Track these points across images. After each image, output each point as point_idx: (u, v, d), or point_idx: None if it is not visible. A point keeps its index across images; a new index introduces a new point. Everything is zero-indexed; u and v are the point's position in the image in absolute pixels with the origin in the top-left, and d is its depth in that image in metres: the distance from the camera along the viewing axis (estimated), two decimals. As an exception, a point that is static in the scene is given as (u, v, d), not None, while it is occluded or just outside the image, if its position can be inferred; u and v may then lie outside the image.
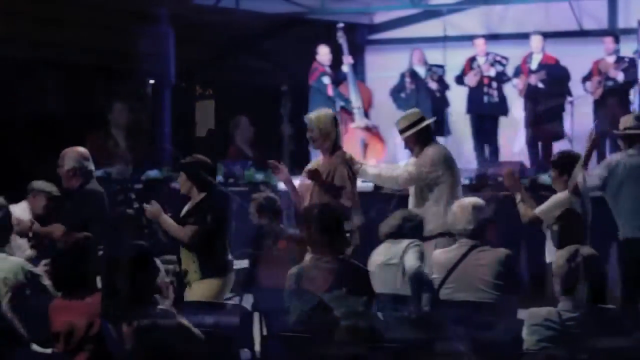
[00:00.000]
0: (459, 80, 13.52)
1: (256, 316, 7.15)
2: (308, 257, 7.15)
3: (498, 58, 13.32)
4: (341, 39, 13.61)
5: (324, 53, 13.40)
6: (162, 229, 7.31)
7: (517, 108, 13.59)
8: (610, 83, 12.67)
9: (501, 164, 12.36)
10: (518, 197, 7.75)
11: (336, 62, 13.57)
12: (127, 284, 5.10)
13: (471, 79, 13.34)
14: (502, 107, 13.43)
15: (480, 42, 13.45)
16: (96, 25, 12.90)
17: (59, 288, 5.67)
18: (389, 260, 6.98)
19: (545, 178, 10.21)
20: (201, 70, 14.72)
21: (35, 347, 5.64)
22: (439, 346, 5.60)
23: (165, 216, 7.23)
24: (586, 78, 12.84)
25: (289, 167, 7.95)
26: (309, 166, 7.93)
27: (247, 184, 11.88)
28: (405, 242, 7.01)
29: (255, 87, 14.10)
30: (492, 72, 13.29)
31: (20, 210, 8.37)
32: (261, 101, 13.52)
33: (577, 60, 13.15)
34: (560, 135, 12.99)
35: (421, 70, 13.55)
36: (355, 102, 13.59)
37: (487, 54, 13.37)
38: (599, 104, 12.79)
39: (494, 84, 13.30)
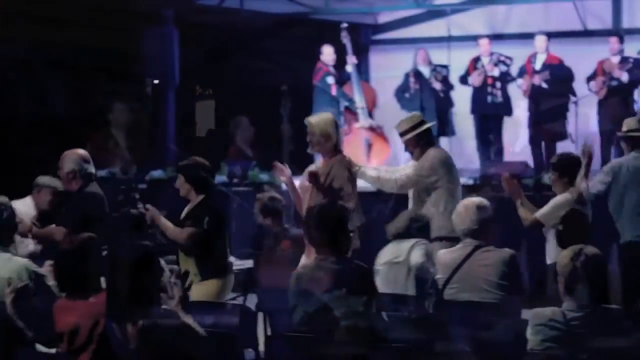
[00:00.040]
0: (463, 80, 13.52)
1: (260, 316, 7.15)
2: (305, 258, 7.18)
3: (502, 58, 13.31)
4: (345, 39, 13.61)
5: (328, 53, 13.41)
6: (160, 231, 7.31)
7: (519, 108, 13.59)
8: (614, 83, 12.65)
9: (505, 164, 12.37)
10: (518, 201, 7.76)
11: (340, 62, 13.58)
12: (131, 284, 5.10)
13: (475, 79, 13.34)
14: (506, 107, 13.42)
15: (484, 42, 13.45)
16: (97, 26, 12.91)
17: (63, 288, 5.66)
18: (395, 259, 7.03)
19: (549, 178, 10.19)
20: (201, 70, 14.73)
21: (39, 347, 5.65)
22: (443, 346, 5.60)
23: (163, 219, 7.22)
24: (590, 78, 12.83)
25: (289, 167, 7.93)
26: (311, 167, 7.92)
27: (251, 184, 11.90)
28: (412, 241, 7.08)
29: (255, 87, 14.10)
30: (496, 72, 13.28)
31: (24, 206, 8.39)
32: (261, 101, 13.52)
33: (582, 60, 13.14)
34: (563, 135, 12.98)
35: (425, 71, 13.55)
36: (359, 102, 13.60)
37: (491, 54, 13.36)
38: (603, 104, 12.78)
39: (498, 84, 13.29)
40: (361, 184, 8.05)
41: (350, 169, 7.78)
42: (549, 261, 7.68)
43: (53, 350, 5.55)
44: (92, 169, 7.97)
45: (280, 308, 6.37)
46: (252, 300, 8.15)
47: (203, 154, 7.69)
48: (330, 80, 13.38)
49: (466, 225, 6.81)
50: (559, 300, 5.30)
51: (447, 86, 13.64)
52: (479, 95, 13.38)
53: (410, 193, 8.28)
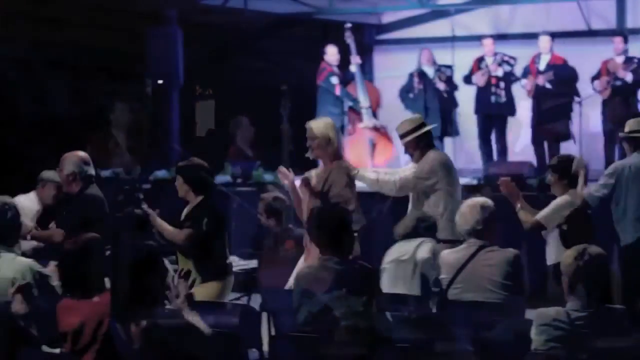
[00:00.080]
0: (467, 80, 13.51)
1: (264, 316, 7.14)
2: (304, 260, 7.18)
3: (506, 58, 13.30)
4: (349, 39, 13.61)
5: (332, 53, 13.40)
6: (157, 232, 7.30)
7: (523, 108, 13.57)
8: (618, 83, 12.65)
9: (509, 164, 12.37)
10: (517, 204, 7.75)
11: (344, 62, 13.57)
12: (135, 284, 5.10)
13: (479, 79, 13.33)
14: (509, 107, 13.41)
15: (488, 42, 13.44)
16: (98, 26, 12.92)
17: (67, 288, 5.67)
18: (401, 256, 7.11)
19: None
20: (205, 70, 14.73)
21: (43, 347, 5.65)
22: (445, 346, 5.60)
23: (159, 220, 7.21)
24: (595, 78, 12.82)
25: (289, 167, 7.90)
26: (311, 172, 7.87)
27: (254, 184, 11.90)
28: (418, 240, 7.18)
29: (255, 87, 14.11)
30: (499, 72, 13.27)
31: (28, 201, 8.40)
32: (261, 101, 13.52)
33: (586, 60, 13.13)
34: (567, 135, 12.97)
35: (429, 71, 13.54)
36: (364, 102, 13.58)
37: (495, 54, 13.35)
38: (607, 104, 12.77)
39: (502, 84, 13.27)
40: (359, 185, 8.03)
41: (349, 173, 7.73)
42: (549, 262, 7.69)
43: (57, 350, 5.56)
44: (92, 171, 7.95)
45: (284, 308, 6.37)
46: (256, 300, 8.15)
47: (203, 154, 7.69)
48: (334, 80, 13.36)
49: (470, 225, 6.80)
50: (559, 301, 5.29)
51: (451, 86, 13.62)
52: (482, 95, 13.36)
53: (410, 196, 8.28)
